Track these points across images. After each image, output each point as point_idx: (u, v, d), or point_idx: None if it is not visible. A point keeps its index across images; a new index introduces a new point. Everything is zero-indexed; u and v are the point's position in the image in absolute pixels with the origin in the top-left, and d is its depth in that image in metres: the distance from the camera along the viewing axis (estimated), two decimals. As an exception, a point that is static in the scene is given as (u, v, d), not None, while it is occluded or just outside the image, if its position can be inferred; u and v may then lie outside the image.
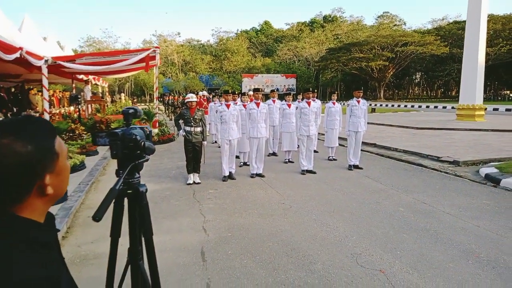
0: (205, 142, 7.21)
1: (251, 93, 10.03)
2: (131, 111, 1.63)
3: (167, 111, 27.91)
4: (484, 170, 7.44)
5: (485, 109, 18.93)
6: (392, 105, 43.21)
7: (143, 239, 1.70)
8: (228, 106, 7.29)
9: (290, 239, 4.28)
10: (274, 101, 10.07)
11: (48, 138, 0.86)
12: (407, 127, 16.51)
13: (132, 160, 1.54)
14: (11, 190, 0.80)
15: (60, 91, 24.18)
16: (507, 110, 28.48)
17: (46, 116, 10.66)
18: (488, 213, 5.13)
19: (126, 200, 1.70)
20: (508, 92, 53.71)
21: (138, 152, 1.54)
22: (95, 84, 18.11)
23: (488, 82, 56.19)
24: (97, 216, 1.19)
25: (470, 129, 14.74)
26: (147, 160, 1.64)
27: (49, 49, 12.66)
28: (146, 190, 1.69)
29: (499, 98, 50.79)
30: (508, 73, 52.42)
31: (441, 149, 9.87)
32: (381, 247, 4.01)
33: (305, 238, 4.32)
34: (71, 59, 11.05)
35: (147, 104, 32.18)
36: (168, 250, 4.02)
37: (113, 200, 1.38)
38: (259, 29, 78.49)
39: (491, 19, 45.96)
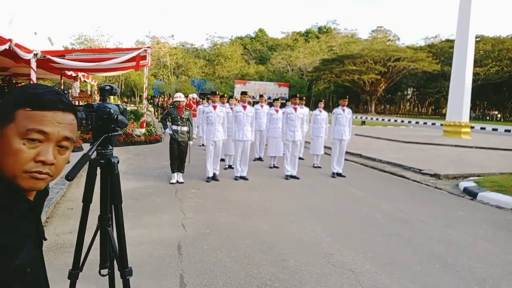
0: (191, 142, 7.27)
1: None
2: (107, 87, 1.73)
3: (156, 113, 27.89)
4: (463, 184, 7.62)
5: (472, 127, 19.37)
6: (383, 119, 43.81)
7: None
8: (214, 107, 7.38)
9: (267, 238, 4.35)
10: (262, 106, 10.19)
11: (13, 101, 0.85)
12: (394, 140, 16.74)
13: (105, 132, 1.64)
14: None
15: (49, 87, 23.95)
16: (493, 129, 29.10)
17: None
18: (461, 224, 5.28)
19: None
20: (496, 112, 54.90)
21: (112, 125, 1.63)
22: (84, 81, 18.07)
23: (477, 102, 57.38)
24: (70, 176, 1.28)
25: (455, 145, 15.02)
26: (120, 134, 1.73)
27: (39, 44, 12.61)
28: (118, 161, 1.78)
29: (488, 118, 51.89)
30: (497, 93, 53.61)
31: (424, 162, 10.06)
32: (354, 249, 4.11)
33: (281, 238, 4.40)
34: (60, 54, 11.04)
35: (137, 105, 32.06)
36: (145, 243, 4.07)
37: (87, 166, 1.46)
38: (253, 36, 79.15)
39: (482, 39, 47.18)
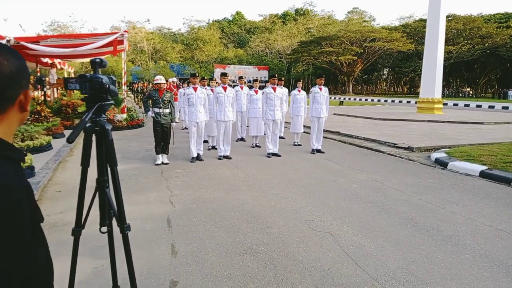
0: (173, 124, 7.40)
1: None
2: (97, 60, 1.88)
3: (136, 99, 27.53)
4: (435, 155, 8.06)
5: (445, 103, 20.07)
6: (360, 99, 44.56)
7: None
8: (195, 89, 7.50)
9: (251, 209, 4.61)
10: (242, 88, 10.35)
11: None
12: (370, 118, 17.25)
13: (98, 101, 1.81)
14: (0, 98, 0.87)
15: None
16: (465, 105, 30.16)
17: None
18: (432, 190, 5.67)
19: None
20: (468, 89, 56.53)
21: (104, 95, 1.80)
22: (61, 68, 17.71)
23: (451, 79, 58.85)
24: (70, 138, 1.45)
25: (428, 121, 15.62)
26: (111, 104, 1.90)
27: (11, 31, 12.28)
28: (112, 128, 1.96)
29: (460, 95, 53.31)
30: (469, 71, 55.09)
31: (399, 137, 10.51)
32: (332, 215, 4.43)
33: (265, 208, 4.67)
34: (35, 41, 10.83)
35: (116, 91, 31.37)
36: (135, 219, 4.25)
37: (83, 132, 1.63)
38: (231, 19, 78.24)
39: (454, 18, 48.06)
